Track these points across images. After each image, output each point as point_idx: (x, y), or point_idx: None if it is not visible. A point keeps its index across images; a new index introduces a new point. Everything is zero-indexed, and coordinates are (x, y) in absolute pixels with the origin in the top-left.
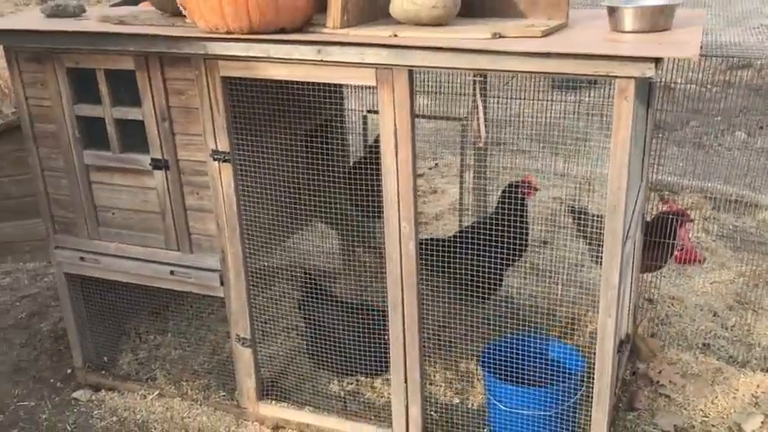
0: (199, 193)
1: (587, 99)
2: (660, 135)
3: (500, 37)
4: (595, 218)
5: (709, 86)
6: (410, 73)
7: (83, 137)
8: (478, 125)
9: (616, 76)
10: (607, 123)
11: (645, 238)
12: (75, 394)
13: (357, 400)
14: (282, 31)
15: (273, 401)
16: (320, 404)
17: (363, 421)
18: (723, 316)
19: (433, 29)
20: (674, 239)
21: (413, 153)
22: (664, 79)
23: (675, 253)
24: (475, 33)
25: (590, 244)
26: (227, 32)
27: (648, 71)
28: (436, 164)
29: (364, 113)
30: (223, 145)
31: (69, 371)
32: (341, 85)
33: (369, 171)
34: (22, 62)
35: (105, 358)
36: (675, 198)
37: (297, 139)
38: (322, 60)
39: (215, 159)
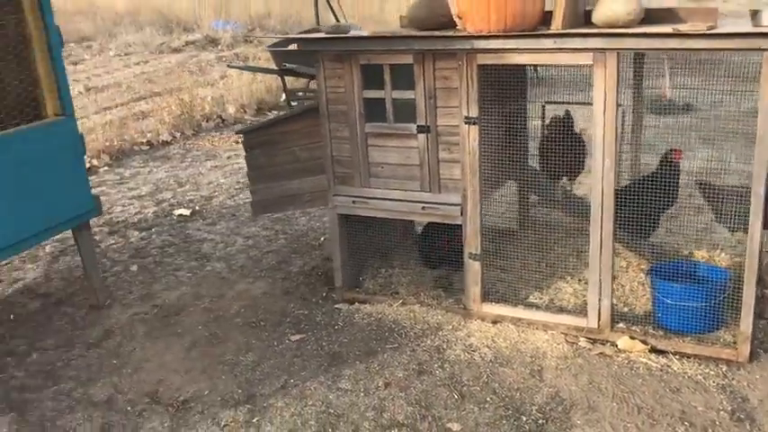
0: (450, 148)
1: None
2: None
3: (678, 30)
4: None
5: None
6: (618, 55)
7: (365, 113)
8: (665, 88)
9: (766, 49)
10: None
11: None
12: (337, 305)
13: (555, 304)
14: (522, 31)
15: (493, 302)
16: (530, 303)
17: (564, 314)
18: None
19: (626, 29)
20: None
21: (614, 111)
22: None
23: None
24: (659, 29)
25: (715, 210)
26: (488, 33)
27: None
28: None
29: (543, 104)
30: (473, 112)
31: (324, 294)
32: (526, 83)
33: (551, 146)
34: (326, 62)
35: (361, 278)
36: None
37: (505, 116)
38: (557, 48)
39: (466, 123)
